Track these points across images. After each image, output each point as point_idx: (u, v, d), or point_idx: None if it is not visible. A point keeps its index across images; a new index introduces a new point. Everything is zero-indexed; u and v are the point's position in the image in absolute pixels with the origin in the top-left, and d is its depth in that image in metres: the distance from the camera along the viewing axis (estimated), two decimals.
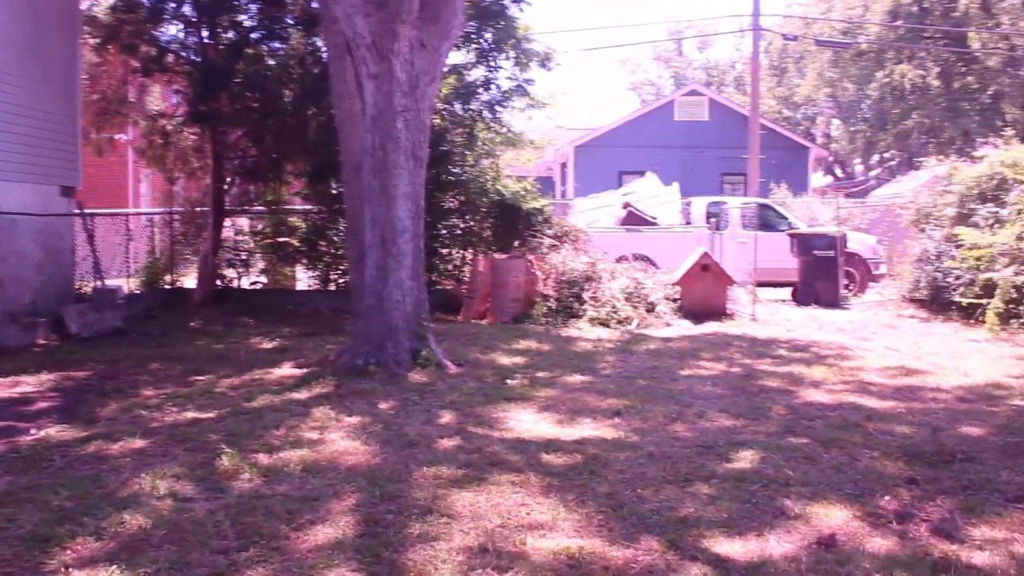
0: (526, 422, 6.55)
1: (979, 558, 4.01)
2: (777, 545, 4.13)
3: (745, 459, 5.53)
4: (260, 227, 15.62)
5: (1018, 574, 3.87)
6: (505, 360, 9.25)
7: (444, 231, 14.18)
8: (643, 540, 4.17)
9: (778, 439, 6.02)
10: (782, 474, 5.17)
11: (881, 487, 4.96)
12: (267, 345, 10.86)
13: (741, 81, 48.66)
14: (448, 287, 14.13)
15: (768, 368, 8.99)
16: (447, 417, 6.70)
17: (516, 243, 13.95)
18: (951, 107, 31.01)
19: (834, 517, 4.47)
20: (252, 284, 15.46)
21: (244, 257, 15.43)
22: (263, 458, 5.52)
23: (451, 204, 14.13)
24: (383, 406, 7.04)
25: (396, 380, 7.96)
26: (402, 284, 8.67)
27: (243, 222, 15.94)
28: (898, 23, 30.02)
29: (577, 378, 8.32)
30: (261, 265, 15.69)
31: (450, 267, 14.41)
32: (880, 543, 4.15)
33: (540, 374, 8.45)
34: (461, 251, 14.42)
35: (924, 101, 31.13)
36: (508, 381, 8.02)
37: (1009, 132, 15.16)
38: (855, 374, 8.59)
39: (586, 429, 6.33)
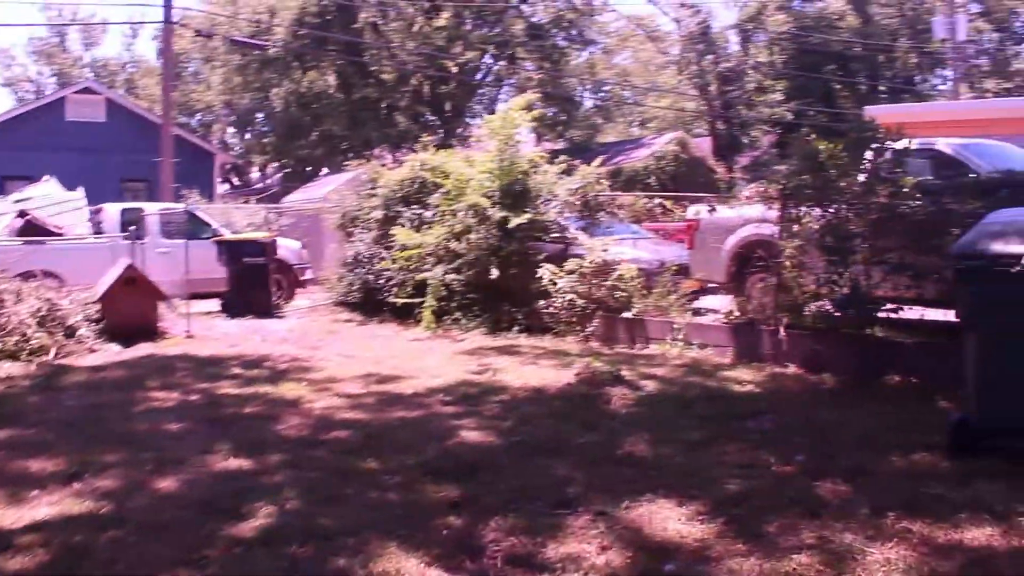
0: None
1: None
2: None
3: (262, 512, 4.57)
4: None
5: None
6: None
7: None
8: None
9: (287, 479, 5.15)
10: (316, 525, 4.34)
11: (429, 520, 4.40)
12: None
13: (133, 83, 45.75)
14: None
15: (232, 391, 7.99)
16: None
17: None
18: (352, 116, 32.55)
19: (407, 571, 3.78)
20: None
21: None
22: None
23: None
24: None
25: None
26: None
27: None
28: (304, 31, 30.57)
29: None
30: None
31: None
32: None
33: None
34: None
35: (329, 110, 32.22)
36: None
37: (427, 138, 16.00)
38: (329, 387, 8.00)
39: (40, 506, 4.74)
